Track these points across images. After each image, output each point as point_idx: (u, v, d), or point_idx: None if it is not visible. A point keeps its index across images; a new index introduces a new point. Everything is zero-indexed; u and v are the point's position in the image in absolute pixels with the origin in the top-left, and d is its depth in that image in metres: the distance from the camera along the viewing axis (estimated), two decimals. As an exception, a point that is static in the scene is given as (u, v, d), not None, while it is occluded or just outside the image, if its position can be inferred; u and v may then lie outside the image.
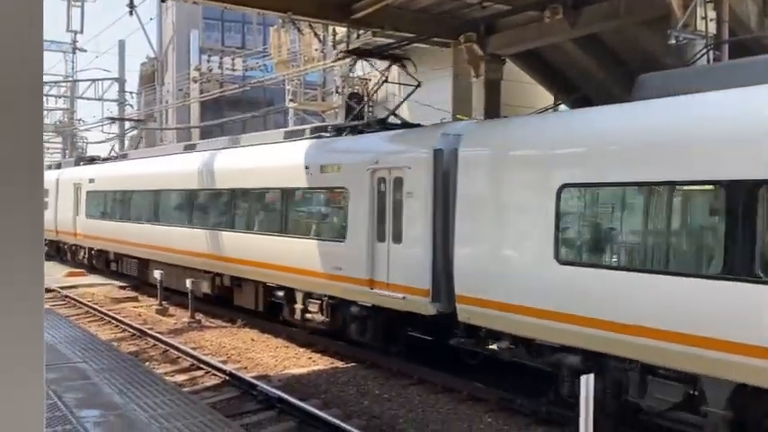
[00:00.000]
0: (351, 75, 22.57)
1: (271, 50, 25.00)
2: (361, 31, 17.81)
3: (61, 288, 19.01)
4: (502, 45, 15.55)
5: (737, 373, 6.17)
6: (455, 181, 9.20)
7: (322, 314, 11.70)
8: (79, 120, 42.01)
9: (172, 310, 16.22)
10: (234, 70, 27.87)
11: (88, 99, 39.37)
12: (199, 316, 15.15)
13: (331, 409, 8.78)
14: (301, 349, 12.23)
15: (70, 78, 42.40)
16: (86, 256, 22.64)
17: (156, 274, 16.13)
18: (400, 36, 15.90)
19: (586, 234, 7.83)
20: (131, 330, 13.78)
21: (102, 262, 21.65)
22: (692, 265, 6.75)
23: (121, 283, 20.09)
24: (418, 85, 12.38)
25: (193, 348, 12.04)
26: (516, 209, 8.46)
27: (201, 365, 10.93)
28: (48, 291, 18.71)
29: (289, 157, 12.70)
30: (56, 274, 22.24)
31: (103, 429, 6.21)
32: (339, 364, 11.28)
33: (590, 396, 6.96)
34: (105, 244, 20.75)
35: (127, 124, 35.76)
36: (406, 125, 11.93)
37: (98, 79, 38.90)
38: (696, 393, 6.63)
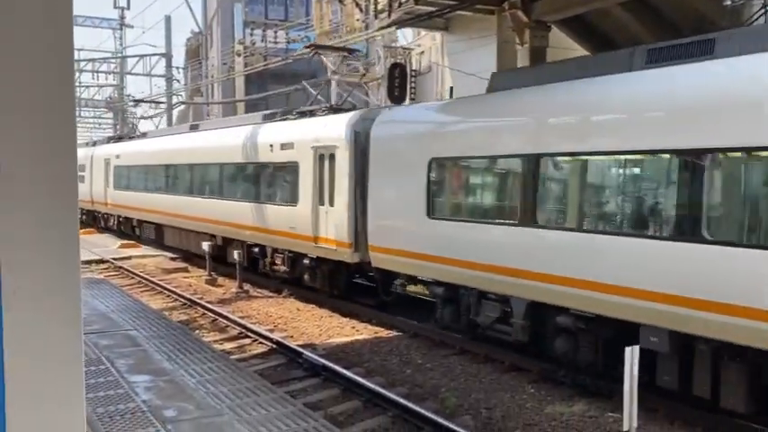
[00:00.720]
0: (393, 45, 22.35)
1: (313, 22, 24.93)
2: (403, 0, 17.54)
3: (115, 259, 19.65)
4: (547, 11, 15.10)
5: (529, 293, 8.65)
6: (368, 156, 11.74)
7: (284, 265, 14.39)
8: (128, 95, 42.91)
9: (220, 280, 16.61)
10: (276, 43, 27.94)
11: (137, 75, 40.14)
12: (246, 286, 15.48)
13: (374, 378, 8.91)
14: (345, 319, 12.39)
15: (119, 54, 43.23)
16: (116, 222, 25.89)
17: (205, 245, 16.64)
18: (443, 4, 15.62)
19: (445, 195, 10.56)
20: (182, 300, 14.18)
21: (128, 227, 24.48)
22: (501, 216, 9.44)
23: (172, 255, 20.67)
24: (363, 71, 15.13)
25: (241, 317, 12.32)
26: (405, 177, 10.88)
27: (249, 334, 11.19)
28: (102, 262, 19.40)
29: (260, 137, 15.33)
30: (110, 245, 23.02)
31: (153, 394, 6.45)
32: (382, 333, 11.40)
33: (634, 368, 6.87)
34: (129, 212, 23.79)
35: (174, 99, 36.36)
36: (354, 109, 14.06)
37: (146, 55, 39.60)
38: (508, 310, 9.09)
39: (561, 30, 16.14)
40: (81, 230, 22.95)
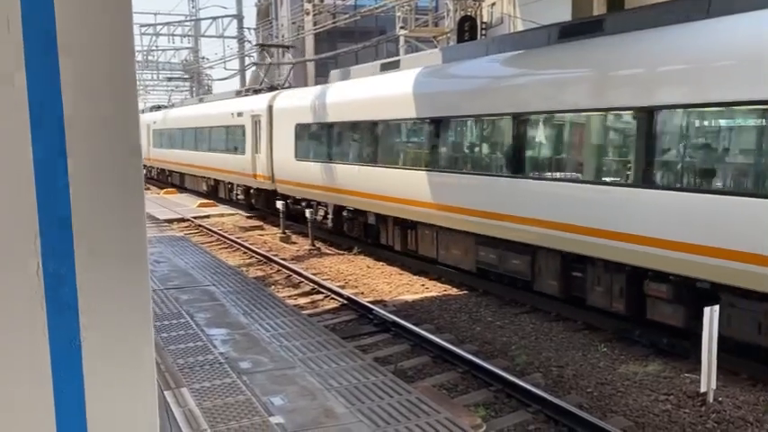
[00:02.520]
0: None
1: (381, -23, 24.48)
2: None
3: (194, 218, 20.43)
4: (627, -47, 14.31)
5: (334, 200, 15.13)
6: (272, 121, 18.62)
7: (242, 195, 21.44)
8: (203, 58, 43.81)
9: (294, 238, 17.01)
10: (345, 0, 27.72)
11: (210, 37, 40.87)
12: (318, 244, 15.80)
13: (443, 334, 8.97)
14: (415, 277, 12.48)
15: (193, 17, 44.02)
16: (156, 174, 34.14)
17: (279, 204, 17.27)
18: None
19: (303, 145, 16.69)
20: (257, 257, 14.63)
21: (163, 176, 32.70)
22: (323, 157, 15.52)
23: (248, 213, 21.31)
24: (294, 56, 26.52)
25: (314, 274, 12.60)
26: (286, 134, 17.40)
27: (321, 290, 11.45)
28: (183, 220, 20.23)
29: (228, 107, 22.21)
30: (189, 204, 23.93)
31: (230, 346, 6.73)
32: (451, 291, 11.43)
33: (714, 329, 6.63)
34: (162, 164, 32.20)
35: (246, 60, 36.87)
36: (290, 87, 20.75)
37: (218, 17, 40.17)
38: (328, 212, 15.68)
39: (642, -27, 15.22)
40: (163, 191, 25.29)
